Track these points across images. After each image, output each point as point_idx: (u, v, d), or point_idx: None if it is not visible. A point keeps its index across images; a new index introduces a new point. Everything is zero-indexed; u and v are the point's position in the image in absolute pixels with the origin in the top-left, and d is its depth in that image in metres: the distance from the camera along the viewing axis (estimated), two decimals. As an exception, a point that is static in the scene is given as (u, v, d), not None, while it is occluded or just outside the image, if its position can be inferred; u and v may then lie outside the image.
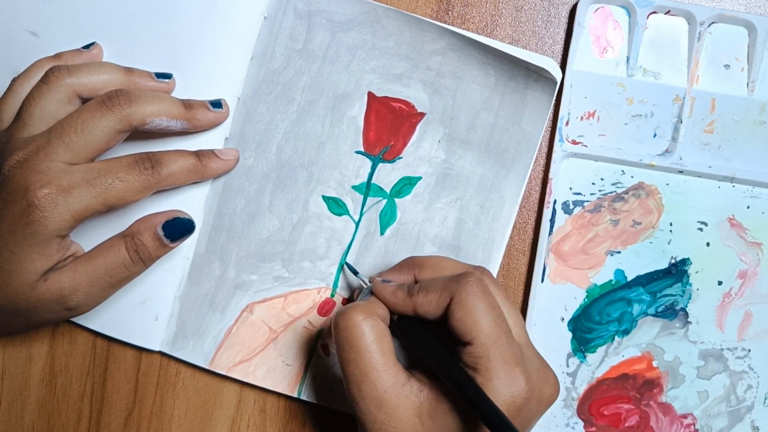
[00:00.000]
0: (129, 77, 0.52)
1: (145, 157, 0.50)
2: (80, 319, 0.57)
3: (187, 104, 0.53)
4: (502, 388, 0.43)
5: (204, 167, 0.53)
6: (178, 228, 0.53)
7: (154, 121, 0.50)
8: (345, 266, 0.56)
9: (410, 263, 0.50)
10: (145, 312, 0.56)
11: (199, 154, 0.53)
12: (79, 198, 0.47)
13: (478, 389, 0.42)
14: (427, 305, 0.46)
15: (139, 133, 0.52)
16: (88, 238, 0.53)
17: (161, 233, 0.52)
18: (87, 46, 0.55)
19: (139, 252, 0.51)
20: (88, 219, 0.49)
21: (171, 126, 0.52)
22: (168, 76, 0.54)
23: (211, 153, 0.54)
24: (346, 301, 0.57)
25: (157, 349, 0.57)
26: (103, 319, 0.57)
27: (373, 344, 0.45)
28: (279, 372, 0.57)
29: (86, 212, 0.48)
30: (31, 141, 0.48)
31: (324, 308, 0.57)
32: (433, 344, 0.46)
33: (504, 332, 0.44)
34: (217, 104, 0.54)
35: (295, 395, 0.57)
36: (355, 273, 0.55)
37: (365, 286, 0.53)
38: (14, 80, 0.52)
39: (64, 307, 0.50)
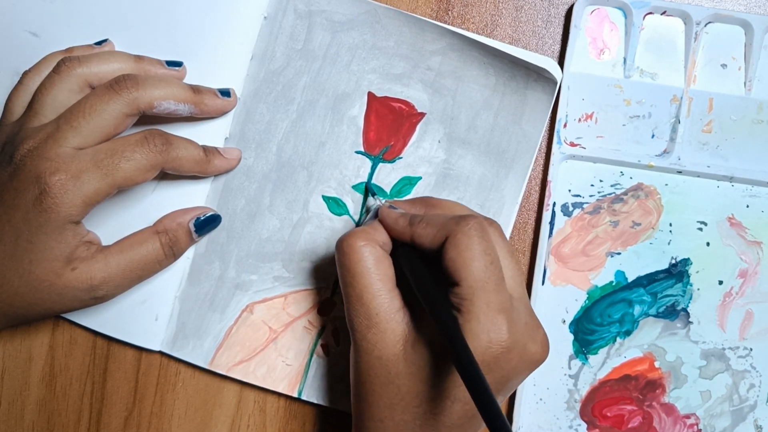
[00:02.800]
0: (139, 65, 0.53)
1: (156, 133, 0.50)
2: (80, 319, 0.57)
3: (196, 89, 0.53)
4: (481, 331, 0.43)
5: (208, 162, 0.54)
6: (209, 224, 0.56)
7: (162, 104, 0.51)
8: (366, 186, 0.56)
9: (425, 200, 0.51)
10: (145, 312, 0.56)
11: (205, 149, 0.54)
12: (88, 182, 0.48)
13: (456, 327, 0.42)
14: (424, 237, 0.46)
15: (146, 120, 0.52)
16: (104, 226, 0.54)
17: (193, 229, 0.55)
18: (99, 43, 0.55)
19: (174, 248, 0.54)
20: (100, 203, 0.49)
21: (179, 110, 0.52)
22: (179, 63, 0.55)
23: (216, 150, 0.55)
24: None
25: (157, 349, 0.57)
26: (103, 319, 0.56)
27: (370, 268, 0.46)
28: (279, 372, 0.57)
29: (96, 196, 0.48)
30: (41, 129, 0.49)
31: (324, 308, 0.57)
32: (424, 275, 0.46)
33: (494, 279, 0.44)
34: (225, 93, 0.55)
35: (294, 395, 0.57)
36: (374, 194, 0.55)
37: (373, 207, 0.53)
38: (25, 73, 0.53)
39: (91, 296, 0.51)
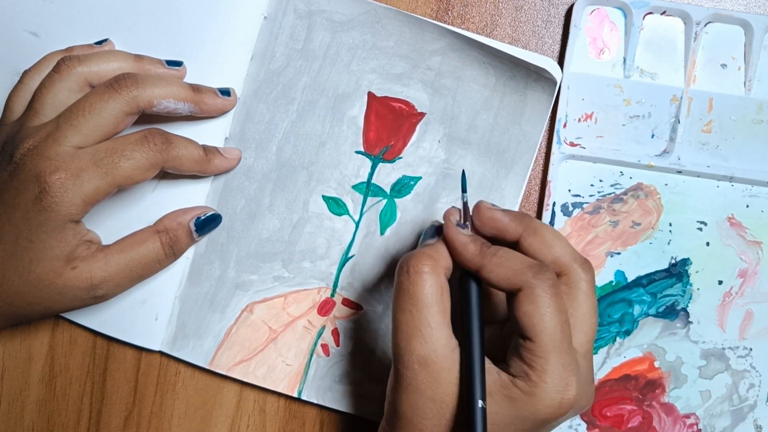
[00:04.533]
0: (139, 64, 0.53)
1: (156, 132, 0.50)
2: (80, 319, 0.57)
3: (195, 88, 0.53)
4: (552, 390, 0.42)
5: (208, 162, 0.54)
6: (209, 223, 0.56)
7: (162, 103, 0.51)
8: (462, 174, 0.49)
9: (525, 220, 0.47)
10: (145, 312, 0.56)
11: (205, 149, 0.54)
12: (87, 181, 0.48)
13: (483, 383, 0.42)
14: (495, 276, 0.44)
15: (146, 119, 0.52)
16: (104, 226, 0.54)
17: (193, 228, 0.55)
18: (99, 42, 0.55)
19: (174, 247, 0.54)
20: (100, 202, 0.49)
21: (178, 109, 0.52)
22: (179, 63, 0.55)
23: (216, 150, 0.55)
24: (346, 301, 0.57)
25: (157, 348, 0.57)
26: (103, 319, 0.57)
27: (434, 300, 0.44)
28: (279, 372, 0.57)
29: (96, 195, 0.48)
30: (41, 128, 0.49)
31: (324, 308, 0.57)
32: (479, 316, 0.45)
33: (567, 338, 0.43)
34: (225, 92, 0.55)
35: (294, 395, 0.57)
36: (464, 190, 0.48)
37: (432, 222, 0.50)
38: (25, 73, 0.53)
39: (91, 296, 0.51)
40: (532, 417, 0.43)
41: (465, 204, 0.48)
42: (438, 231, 0.48)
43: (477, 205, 0.47)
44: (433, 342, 0.43)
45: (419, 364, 0.44)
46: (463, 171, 0.49)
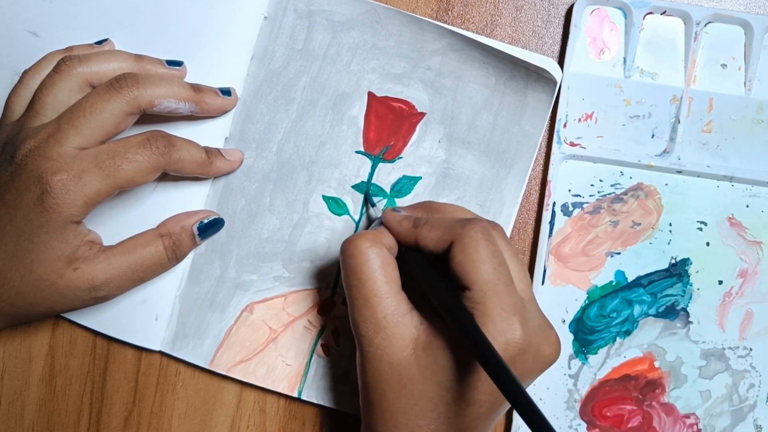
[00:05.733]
0: (140, 64, 0.53)
1: (158, 135, 0.50)
2: (80, 319, 0.57)
3: (196, 88, 0.53)
4: (497, 333, 0.43)
5: (210, 164, 0.54)
6: (212, 227, 0.56)
7: (163, 103, 0.51)
8: (365, 195, 0.56)
9: (426, 205, 0.50)
10: (145, 312, 0.56)
11: (207, 150, 0.54)
12: (89, 183, 0.48)
13: (475, 325, 0.42)
14: (429, 240, 0.46)
15: (147, 118, 0.52)
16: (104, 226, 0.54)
17: (196, 233, 0.55)
18: (99, 42, 0.55)
19: (176, 251, 0.54)
20: (102, 204, 0.49)
21: (179, 109, 0.52)
22: (179, 63, 0.55)
23: (218, 152, 0.55)
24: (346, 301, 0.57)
25: (157, 348, 0.57)
26: (103, 319, 0.56)
27: (377, 271, 0.46)
28: (279, 372, 0.57)
29: (98, 197, 0.48)
30: (42, 129, 0.49)
31: (324, 308, 0.57)
32: (434, 278, 0.46)
33: (504, 281, 0.44)
34: (226, 92, 0.55)
35: (294, 395, 0.57)
36: (373, 204, 0.54)
37: (379, 216, 0.53)
38: (25, 72, 0.53)
39: (92, 296, 0.51)
40: None
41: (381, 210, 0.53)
42: (380, 223, 0.50)
43: (384, 213, 0.50)
44: (382, 308, 0.45)
45: (373, 331, 0.45)
46: (366, 192, 0.56)
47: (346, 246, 0.47)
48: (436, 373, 0.44)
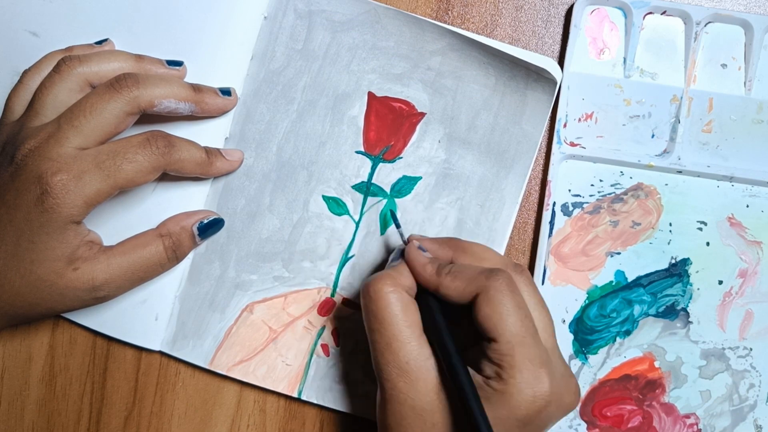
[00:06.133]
0: (140, 64, 0.53)
1: (158, 135, 0.50)
2: (80, 319, 0.57)
3: (196, 88, 0.53)
4: (525, 386, 0.43)
5: (210, 164, 0.54)
6: (212, 227, 0.56)
7: (163, 103, 0.51)
8: (390, 213, 0.55)
9: (453, 243, 0.50)
10: (145, 311, 0.56)
11: (207, 151, 0.54)
12: (89, 183, 0.48)
13: (474, 392, 0.43)
14: (452, 290, 0.46)
15: (147, 118, 0.52)
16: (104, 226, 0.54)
17: (196, 233, 0.55)
18: (99, 42, 0.55)
19: (177, 251, 0.54)
20: (102, 203, 0.49)
21: (179, 109, 0.52)
22: (179, 63, 0.55)
23: (218, 152, 0.55)
24: (347, 301, 0.57)
25: (157, 348, 0.57)
26: (103, 319, 0.57)
27: (398, 316, 0.46)
28: (279, 372, 0.57)
29: (98, 197, 0.48)
30: (42, 129, 0.49)
31: (324, 308, 0.57)
32: (443, 330, 0.46)
33: (530, 333, 0.44)
34: (226, 91, 0.55)
35: (294, 395, 0.57)
36: (398, 225, 0.53)
37: (399, 245, 0.52)
38: (25, 72, 0.53)
39: (92, 297, 0.51)
40: (509, 416, 0.43)
41: (404, 239, 0.52)
42: (402, 254, 0.50)
43: (408, 252, 0.49)
44: (405, 354, 0.45)
45: (396, 375, 0.45)
46: (390, 210, 0.54)
47: (367, 289, 0.47)
48: (461, 418, 0.45)
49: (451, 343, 0.45)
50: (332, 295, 0.57)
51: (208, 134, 0.56)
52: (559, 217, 0.57)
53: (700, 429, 0.57)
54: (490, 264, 0.48)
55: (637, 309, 0.57)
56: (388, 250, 0.57)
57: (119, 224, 0.55)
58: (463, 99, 0.55)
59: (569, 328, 0.57)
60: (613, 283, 0.57)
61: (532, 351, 0.44)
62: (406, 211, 0.56)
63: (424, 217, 0.56)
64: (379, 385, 0.47)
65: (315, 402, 0.57)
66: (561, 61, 0.57)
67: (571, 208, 0.57)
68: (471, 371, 0.45)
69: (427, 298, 0.48)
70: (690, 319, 0.57)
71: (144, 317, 0.56)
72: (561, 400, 0.45)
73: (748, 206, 0.57)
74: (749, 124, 0.57)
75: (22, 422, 0.59)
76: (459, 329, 0.48)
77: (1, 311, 0.50)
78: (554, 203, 0.57)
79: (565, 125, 0.57)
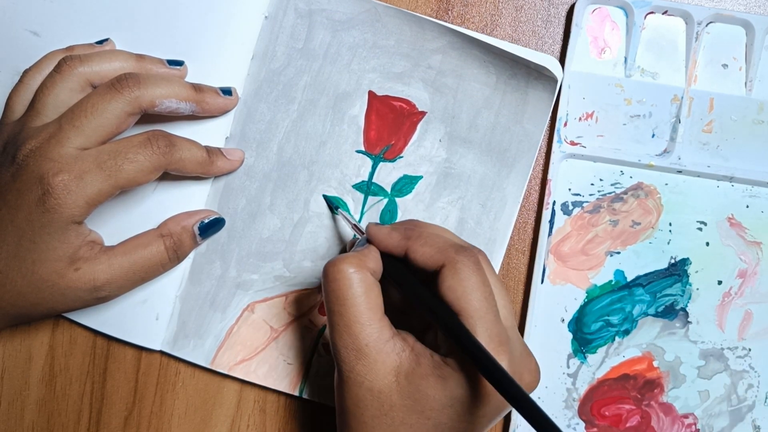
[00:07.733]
0: (141, 64, 0.53)
1: (159, 135, 0.50)
2: (81, 319, 0.57)
3: (197, 87, 0.53)
4: None
5: (211, 164, 0.54)
6: (213, 227, 0.56)
7: (164, 103, 0.51)
8: (340, 212, 0.55)
9: (411, 223, 0.49)
10: (145, 311, 0.56)
11: (208, 150, 0.54)
12: (90, 183, 0.48)
13: (463, 327, 0.42)
14: (421, 254, 0.45)
15: (148, 118, 0.52)
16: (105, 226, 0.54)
17: (197, 232, 0.55)
18: (100, 42, 0.55)
19: (178, 251, 0.54)
20: (103, 204, 0.49)
21: (180, 109, 0.52)
22: (180, 63, 0.54)
23: (219, 151, 0.55)
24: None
25: (157, 348, 0.57)
26: (103, 319, 0.56)
27: (360, 297, 0.45)
28: (280, 371, 0.57)
29: (99, 197, 0.48)
30: (43, 129, 0.49)
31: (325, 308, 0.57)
32: (418, 285, 0.46)
33: (492, 311, 0.44)
34: (227, 91, 0.55)
35: (296, 394, 0.57)
36: (337, 208, 0.52)
37: (358, 237, 0.52)
38: (25, 72, 0.53)
39: (93, 297, 0.51)
40: (467, 396, 0.43)
41: (354, 225, 0.53)
42: (365, 242, 0.49)
43: (369, 227, 0.49)
44: (364, 336, 0.44)
45: (354, 357, 0.45)
46: (341, 212, 0.55)
47: (329, 269, 0.46)
48: (417, 401, 0.44)
49: (428, 292, 0.45)
50: (333, 294, 0.57)
51: (208, 134, 0.55)
52: (559, 216, 0.57)
53: (699, 429, 0.57)
54: (440, 245, 0.47)
55: (636, 309, 0.57)
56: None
57: (120, 224, 0.55)
58: (464, 98, 0.55)
59: (568, 327, 0.57)
60: (613, 283, 0.57)
61: (492, 328, 0.43)
62: (407, 210, 0.56)
63: (425, 217, 0.56)
64: (337, 368, 0.46)
65: (317, 400, 0.57)
66: (562, 60, 0.57)
67: (571, 207, 0.57)
68: (428, 350, 0.45)
69: (398, 265, 0.47)
70: (689, 319, 0.57)
71: (145, 317, 0.56)
72: (520, 378, 0.45)
73: (748, 207, 0.57)
74: (750, 125, 0.57)
75: (22, 422, 0.59)
76: (413, 315, 0.49)
77: (2, 311, 0.50)
78: (554, 202, 0.57)
79: (565, 124, 0.57)
